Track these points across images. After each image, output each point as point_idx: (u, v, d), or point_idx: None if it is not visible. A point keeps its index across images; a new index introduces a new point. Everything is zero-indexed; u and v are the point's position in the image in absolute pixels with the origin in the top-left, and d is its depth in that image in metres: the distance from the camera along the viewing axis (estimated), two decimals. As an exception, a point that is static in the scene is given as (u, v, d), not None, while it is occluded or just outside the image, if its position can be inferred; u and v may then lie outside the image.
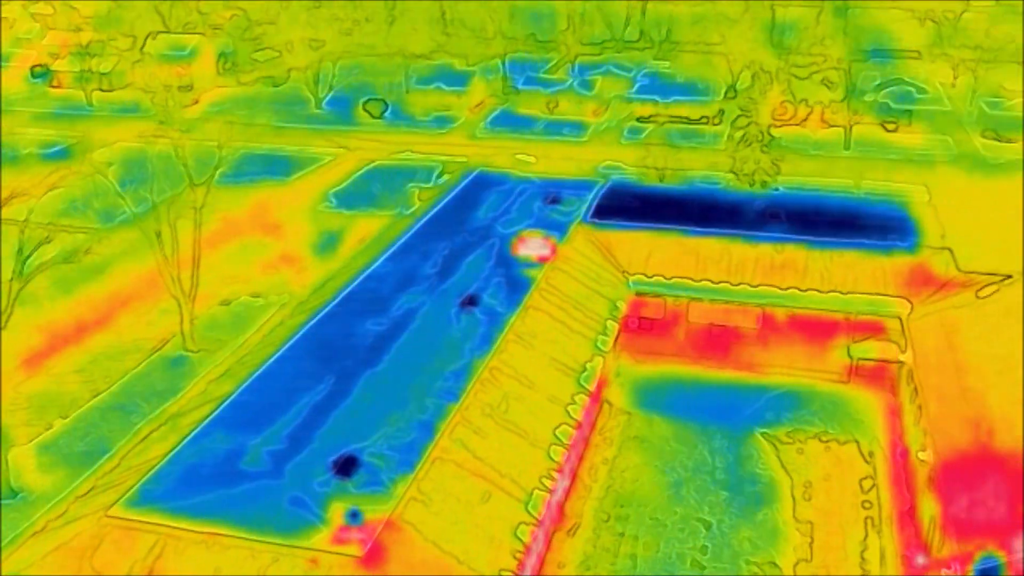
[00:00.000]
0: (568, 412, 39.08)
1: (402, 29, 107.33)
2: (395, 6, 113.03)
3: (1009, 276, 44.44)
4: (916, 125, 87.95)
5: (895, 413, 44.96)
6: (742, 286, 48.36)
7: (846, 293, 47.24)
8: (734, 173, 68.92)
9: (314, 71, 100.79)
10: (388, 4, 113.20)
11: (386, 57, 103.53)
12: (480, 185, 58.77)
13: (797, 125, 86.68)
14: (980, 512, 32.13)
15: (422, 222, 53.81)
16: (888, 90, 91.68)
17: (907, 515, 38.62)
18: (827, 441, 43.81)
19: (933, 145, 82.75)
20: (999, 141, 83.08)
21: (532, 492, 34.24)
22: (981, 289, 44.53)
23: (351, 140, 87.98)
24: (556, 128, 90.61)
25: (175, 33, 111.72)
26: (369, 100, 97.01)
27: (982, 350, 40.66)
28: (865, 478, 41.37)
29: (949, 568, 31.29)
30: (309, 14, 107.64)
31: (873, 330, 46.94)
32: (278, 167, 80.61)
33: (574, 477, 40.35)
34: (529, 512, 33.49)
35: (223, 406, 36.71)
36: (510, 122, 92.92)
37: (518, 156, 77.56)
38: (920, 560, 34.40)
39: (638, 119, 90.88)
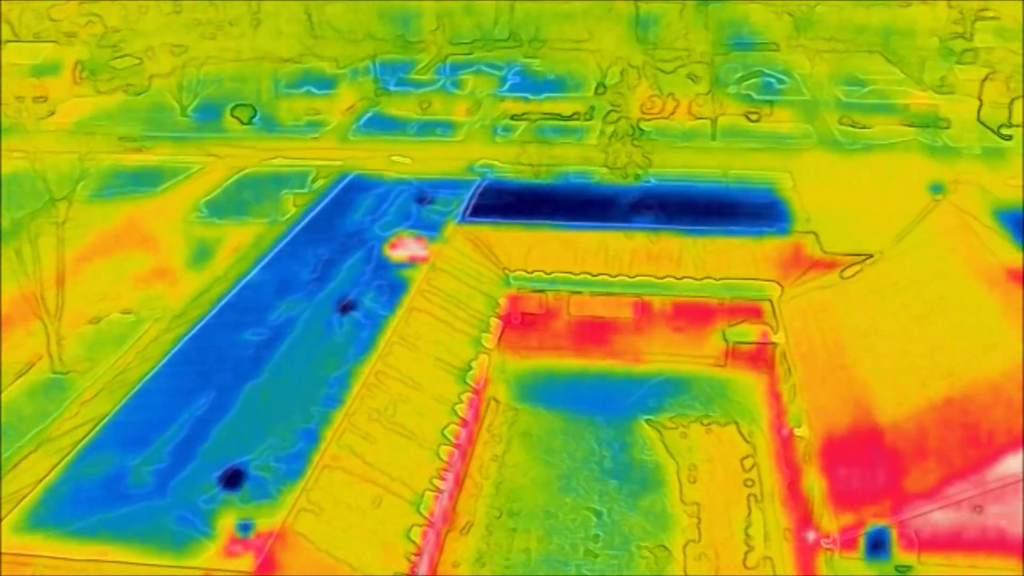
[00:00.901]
0: (455, 411, 39.11)
1: (268, 33, 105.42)
2: (259, 9, 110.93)
3: (870, 255, 46.52)
4: (778, 114, 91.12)
5: (772, 393, 46.53)
6: (620, 277, 49.26)
7: (720, 279, 48.63)
8: (607, 167, 70.13)
9: (178, 78, 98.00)
10: (252, 7, 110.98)
11: (252, 62, 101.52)
12: (355, 188, 58.21)
13: (665, 118, 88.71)
14: (861, 484, 33.53)
15: (297, 228, 52.97)
16: (750, 82, 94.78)
17: (788, 490, 40.03)
18: (708, 424, 45.03)
19: (794, 133, 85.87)
20: (855, 127, 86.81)
21: (423, 493, 34.14)
22: (845, 269, 46.49)
23: (220, 148, 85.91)
24: (429, 128, 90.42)
25: (26, 42, 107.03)
26: (237, 106, 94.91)
27: (849, 327, 42.46)
28: (746, 457, 42.68)
29: (828, 541, 32.57)
30: (169, 19, 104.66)
31: (747, 314, 48.45)
32: (146, 179, 78.09)
33: (464, 476, 40.40)
34: (421, 514, 33.39)
35: (101, 427, 35.39)
36: (382, 124, 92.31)
37: (393, 158, 77.13)
38: (811, 536, 35.67)
39: (510, 117, 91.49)
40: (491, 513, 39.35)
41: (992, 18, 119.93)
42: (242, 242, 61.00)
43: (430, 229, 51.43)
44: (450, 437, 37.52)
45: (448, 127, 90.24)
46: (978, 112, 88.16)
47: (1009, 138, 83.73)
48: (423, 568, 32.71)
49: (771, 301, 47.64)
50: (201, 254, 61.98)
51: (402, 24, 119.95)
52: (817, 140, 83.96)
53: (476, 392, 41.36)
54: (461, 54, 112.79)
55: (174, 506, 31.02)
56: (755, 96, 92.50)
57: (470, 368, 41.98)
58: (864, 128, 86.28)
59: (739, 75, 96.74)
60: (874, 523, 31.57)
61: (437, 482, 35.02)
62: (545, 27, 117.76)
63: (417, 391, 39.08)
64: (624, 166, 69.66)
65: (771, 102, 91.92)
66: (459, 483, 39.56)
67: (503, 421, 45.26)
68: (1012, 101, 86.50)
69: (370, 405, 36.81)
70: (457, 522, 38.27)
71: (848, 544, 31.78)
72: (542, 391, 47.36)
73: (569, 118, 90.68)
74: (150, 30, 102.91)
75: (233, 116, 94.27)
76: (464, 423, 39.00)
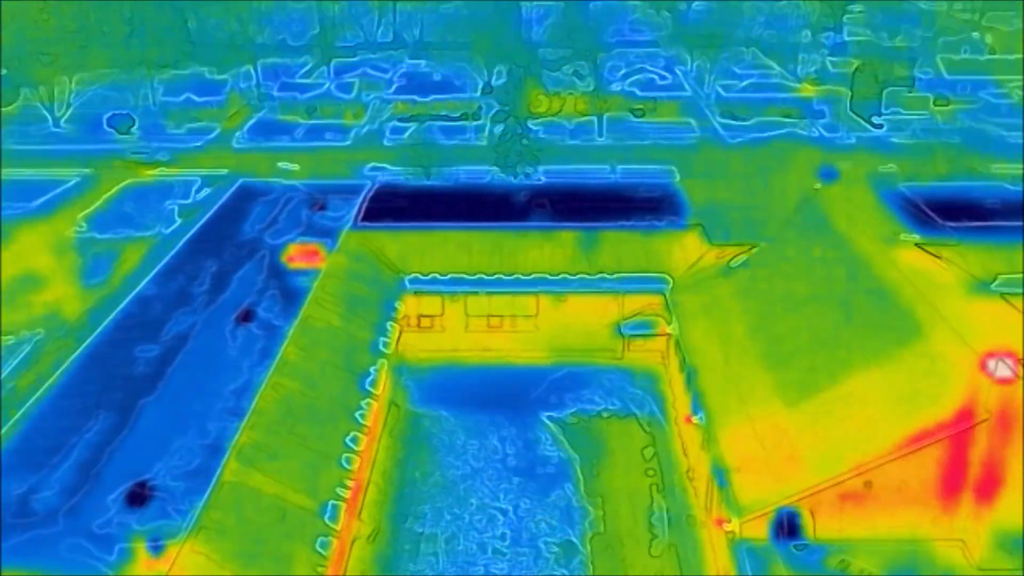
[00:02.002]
0: (356, 418, 38.82)
1: (143, 39, 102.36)
2: (133, 15, 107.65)
3: (754, 245, 47.95)
4: (662, 110, 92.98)
5: (668, 382, 47.56)
6: (516, 275, 49.63)
7: (613, 274, 49.46)
8: (497, 166, 70.45)
9: (49, 87, 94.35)
10: (126, 13, 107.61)
11: (129, 70, 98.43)
12: (244, 196, 57.19)
13: (553, 116, 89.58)
14: (760, 468, 34.57)
15: (186, 240, 51.75)
16: (633, 78, 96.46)
17: (689, 478, 41.00)
18: (608, 417, 45.78)
19: (678, 128, 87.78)
20: (736, 120, 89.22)
21: (328, 504, 33.81)
22: (733, 259, 47.83)
23: (100, 160, 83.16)
24: (317, 133, 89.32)
25: None
26: (115, 116, 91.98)
27: (740, 315, 43.70)
28: (646, 447, 43.56)
29: (729, 525, 33.50)
30: (38, 25, 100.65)
31: (641, 307, 49.39)
32: (22, 194, 75.03)
33: (368, 483, 40.12)
34: (327, 524, 33.08)
35: (-13, 455, 33.98)
36: (267, 130, 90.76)
37: (280, 164, 75.93)
38: (714, 521, 36.57)
39: (399, 119, 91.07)
40: (397, 519, 39.22)
41: (860, 12, 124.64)
42: (129, 256, 59.18)
43: (323, 236, 50.90)
44: (353, 445, 37.24)
45: (336, 131, 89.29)
46: (850, 102, 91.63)
47: (881, 127, 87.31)
48: (332, 578, 32.43)
49: (664, 293, 48.69)
50: (87, 271, 59.88)
51: (284, 28, 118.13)
52: (700, 134, 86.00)
53: (377, 398, 41.12)
54: (345, 57, 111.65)
55: (71, 531, 30.01)
56: (639, 92, 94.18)
57: (369, 374, 41.72)
58: (744, 121, 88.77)
59: (622, 72, 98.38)
60: (775, 505, 32.58)
61: (342, 491, 34.72)
62: (429, 29, 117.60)
63: (317, 400, 38.65)
64: (514, 165, 70.08)
65: (655, 98, 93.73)
66: (364, 491, 39.28)
67: (405, 425, 45.14)
68: (881, 92, 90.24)
69: (269, 417, 36.25)
70: (363, 530, 38.00)
71: (750, 527, 32.74)
72: (443, 393, 47.39)
73: (458, 119, 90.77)
74: (16, 38, 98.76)
75: (111, 126, 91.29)
76: (367, 430, 38.74)
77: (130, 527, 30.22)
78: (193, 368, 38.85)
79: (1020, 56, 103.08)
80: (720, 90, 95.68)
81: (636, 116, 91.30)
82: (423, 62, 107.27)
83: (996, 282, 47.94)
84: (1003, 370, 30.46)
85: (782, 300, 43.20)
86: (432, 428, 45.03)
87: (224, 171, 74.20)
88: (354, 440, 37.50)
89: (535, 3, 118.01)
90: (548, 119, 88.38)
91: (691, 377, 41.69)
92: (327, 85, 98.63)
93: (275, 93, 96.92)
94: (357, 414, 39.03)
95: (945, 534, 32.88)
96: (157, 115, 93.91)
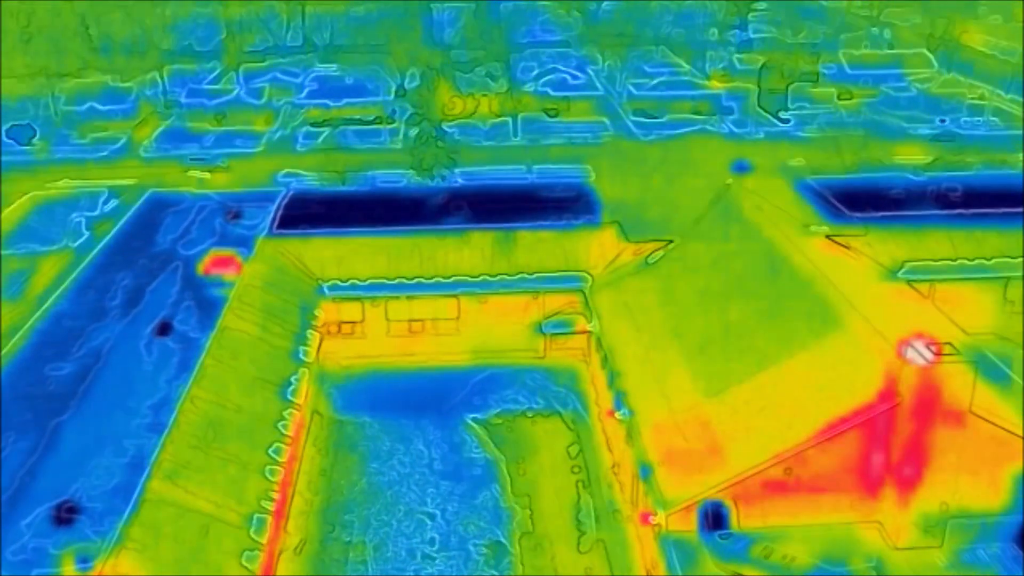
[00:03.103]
0: (279, 429, 38.30)
1: (42, 47, 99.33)
2: (30, 22, 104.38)
3: (671, 241, 48.68)
4: (575, 109, 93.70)
5: (590, 379, 47.97)
6: (435, 278, 49.52)
7: (533, 273, 49.69)
8: (413, 169, 70.15)
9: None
10: (21, 20, 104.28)
11: (27, 78, 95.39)
12: (155, 207, 55.95)
13: (467, 118, 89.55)
14: (685, 461, 35.09)
15: (98, 254, 50.38)
16: (546, 78, 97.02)
17: (612, 472, 41.42)
18: (533, 416, 45.99)
19: (592, 127, 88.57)
20: (648, 118, 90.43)
21: (253, 517, 33.29)
22: (650, 255, 48.47)
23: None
24: (227, 140, 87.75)
25: None
26: (14, 127, 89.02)
27: (658, 310, 44.32)
28: (572, 444, 43.87)
29: (649, 520, 33.95)
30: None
31: (561, 305, 49.72)
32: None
33: (293, 494, 39.60)
34: (253, 538, 32.57)
35: None
36: (176, 139, 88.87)
37: (191, 173, 74.43)
38: (641, 515, 36.97)
39: (311, 124, 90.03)
40: (324, 529, 38.82)
41: (764, 10, 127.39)
42: (38, 274, 57.39)
43: (239, 245, 50.05)
44: (276, 456, 36.73)
45: (247, 138, 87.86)
46: (758, 98, 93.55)
47: (788, 122, 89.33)
48: (259, 593, 31.94)
49: (583, 291, 49.09)
50: (-7, 288, 57.88)
51: (189, 34, 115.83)
52: (614, 132, 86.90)
53: (299, 407, 40.62)
54: (254, 62, 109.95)
55: (-16, 560, 29.01)
56: (552, 92, 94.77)
57: (291, 383, 41.19)
58: (656, 118, 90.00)
59: (535, 72, 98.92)
60: (699, 497, 33.12)
61: (267, 504, 34.22)
62: (339, 32, 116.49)
63: (237, 412, 38.01)
64: (430, 167, 69.85)
65: (567, 97, 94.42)
66: (289, 502, 38.76)
67: (328, 434, 44.70)
68: (788, 87, 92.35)
69: (189, 432, 35.52)
70: (290, 542, 37.50)
71: (676, 519, 33.23)
72: (366, 399, 47.03)
73: (371, 122, 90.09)
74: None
75: (10, 138, 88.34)
76: (290, 440, 38.25)
77: (48, 551, 29.31)
78: (109, 385, 37.86)
79: (918, 50, 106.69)
80: (632, 88, 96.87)
81: (550, 116, 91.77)
82: (334, 66, 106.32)
83: (903, 269, 49.55)
84: (920, 354, 31.38)
85: (700, 294, 43.95)
86: (356, 435, 44.67)
87: (133, 181, 72.49)
88: (277, 451, 37.00)
89: (445, 4, 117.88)
90: (463, 121, 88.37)
91: (612, 373, 42.13)
92: (236, 91, 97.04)
93: (182, 100, 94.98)
94: (279, 424, 38.50)
95: (864, 517, 33.84)
96: (60, 125, 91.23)
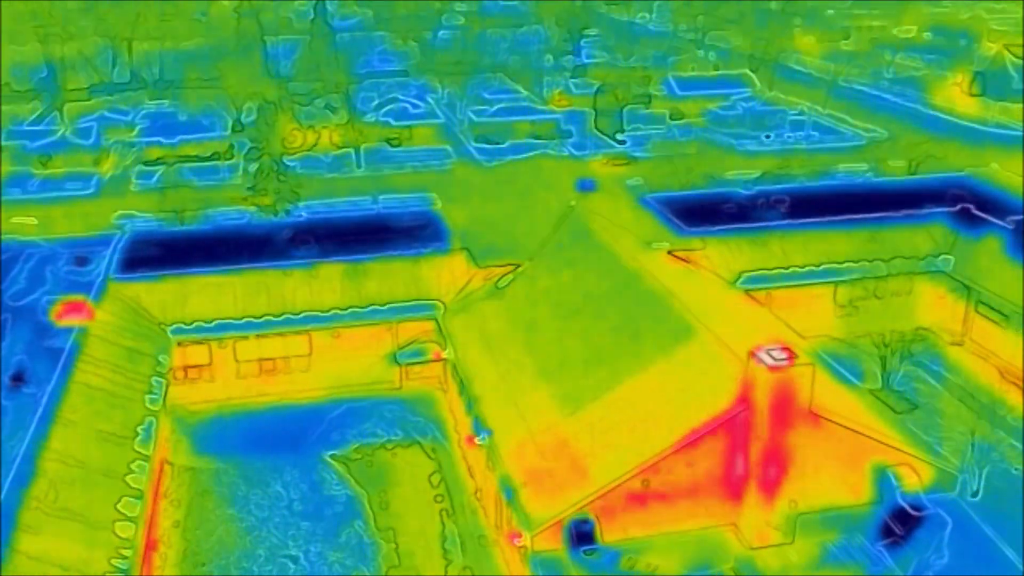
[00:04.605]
0: (128, 483, 36.58)
1: None
2: None
3: (519, 265, 49.24)
4: (417, 137, 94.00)
5: (448, 407, 47.90)
6: (284, 315, 48.52)
7: (385, 304, 49.32)
8: (255, 205, 68.79)
9: None
10: None
11: None
12: (-12, 257, 52.63)
13: (308, 151, 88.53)
14: (547, 481, 35.36)
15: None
16: (387, 108, 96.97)
17: (475, 498, 41.40)
18: (392, 448, 45.52)
19: (435, 154, 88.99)
20: (490, 144, 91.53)
21: (104, 577, 31.64)
22: (500, 280, 48.89)
23: None
24: (57, 185, 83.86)
25: None
26: None
27: (511, 334, 44.69)
28: (433, 474, 43.62)
29: (515, 540, 34.11)
30: None
31: (415, 334, 49.53)
32: None
33: (148, 548, 37.87)
34: (104, 599, 30.94)
35: None
36: None
37: (14, 220, 70.62)
38: (507, 538, 36.98)
39: (146, 163, 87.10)
40: (182, 582, 37.30)
41: (595, 35, 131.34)
42: None
43: (78, 291, 47.64)
44: (127, 512, 35.04)
45: (80, 180, 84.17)
46: (594, 120, 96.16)
47: (624, 142, 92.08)
48: (115, 656, 30.34)
49: (437, 319, 49.04)
50: None
51: (7, 72, 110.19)
52: (457, 159, 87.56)
53: (149, 458, 38.91)
54: (80, 100, 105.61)
55: None
56: (393, 121, 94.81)
57: (138, 435, 39.46)
58: (498, 144, 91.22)
59: (375, 102, 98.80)
60: (563, 515, 33.44)
61: (118, 562, 32.57)
62: (169, 67, 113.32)
63: (82, 469, 36.08)
64: (273, 202, 68.67)
65: (409, 126, 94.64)
66: (144, 558, 37.02)
67: (181, 484, 43.03)
68: (622, 108, 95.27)
69: (29, 495, 33.49)
70: (146, 599, 35.83)
71: (543, 539, 33.45)
72: (219, 444, 45.54)
73: (209, 158, 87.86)
74: None
75: None
76: (140, 493, 36.57)
77: None
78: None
79: (740, 71, 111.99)
80: (472, 115, 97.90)
81: (392, 145, 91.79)
82: (166, 101, 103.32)
83: (740, 279, 51.69)
84: (771, 360, 32.57)
85: (552, 314, 44.60)
86: (211, 482, 43.15)
87: (-49, 231, 68.20)
88: (128, 506, 35.30)
89: (280, 37, 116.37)
90: (304, 153, 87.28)
91: (470, 399, 42.19)
92: (61, 131, 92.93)
93: (2, 143, 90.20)
94: (127, 478, 36.78)
95: (720, 521, 34.92)
96: None
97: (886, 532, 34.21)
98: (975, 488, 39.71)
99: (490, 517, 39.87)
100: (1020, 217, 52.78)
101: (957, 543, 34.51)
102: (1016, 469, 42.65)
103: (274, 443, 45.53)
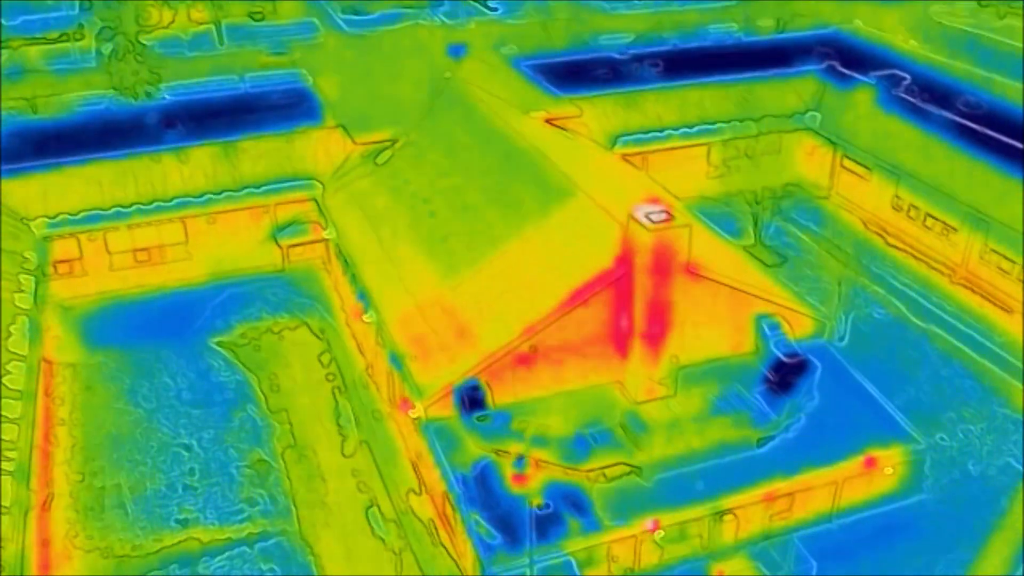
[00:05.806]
0: (6, 384, 35.51)
1: None
2: None
3: (396, 140, 48.45)
4: (281, 10, 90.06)
5: (333, 285, 47.64)
6: (156, 202, 46.92)
7: (260, 185, 48.13)
8: (114, 89, 65.35)
9: None
10: None
11: None
12: None
13: (165, 28, 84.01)
14: (436, 351, 35.78)
15: None
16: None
17: (367, 374, 41.75)
18: (280, 330, 45.21)
19: (302, 27, 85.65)
20: (357, 15, 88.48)
21: (-10, 479, 31.01)
22: (378, 156, 48.11)
23: None
24: None
25: None
26: None
27: (391, 207, 44.33)
28: (323, 353, 43.65)
29: (408, 410, 34.66)
30: None
31: (294, 214, 48.69)
32: None
33: (32, 448, 37.08)
34: (-7, 501, 30.40)
35: None
36: None
37: None
38: (401, 409, 37.51)
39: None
40: (72, 480, 36.81)
41: None
42: None
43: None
44: (7, 413, 34.11)
45: (-87, 70, 78.21)
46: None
47: (496, 9, 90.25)
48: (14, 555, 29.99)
49: (315, 197, 48.20)
50: None
51: None
52: (324, 30, 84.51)
53: (24, 358, 37.74)
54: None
55: None
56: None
57: (10, 334, 38.12)
58: (365, 14, 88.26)
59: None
60: (454, 383, 34.05)
61: (5, 464, 31.88)
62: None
63: (-46, 372, 34.86)
64: (132, 85, 65.30)
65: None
66: (28, 458, 36.27)
67: (63, 381, 42.01)
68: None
69: (-101, 401, 32.27)
70: (34, 499, 35.27)
71: (435, 408, 34.09)
72: (100, 338, 44.40)
73: (57, 40, 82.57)
74: None
75: None
76: (17, 394, 35.57)
77: None
78: None
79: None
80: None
81: (256, 19, 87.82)
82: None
83: (617, 143, 52.19)
84: (650, 219, 33.03)
85: (431, 186, 44.30)
86: (96, 377, 42.22)
87: None
88: (8, 407, 34.34)
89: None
90: (162, 33, 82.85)
91: (354, 275, 42.00)
92: None
93: None
94: (6, 379, 35.67)
95: (606, 378, 36.10)
96: None
97: (763, 380, 36.00)
98: (842, 333, 42.00)
99: (382, 392, 40.33)
100: (885, 72, 54.34)
101: (827, 386, 36.57)
102: (878, 314, 45.30)
103: (158, 333, 44.65)
